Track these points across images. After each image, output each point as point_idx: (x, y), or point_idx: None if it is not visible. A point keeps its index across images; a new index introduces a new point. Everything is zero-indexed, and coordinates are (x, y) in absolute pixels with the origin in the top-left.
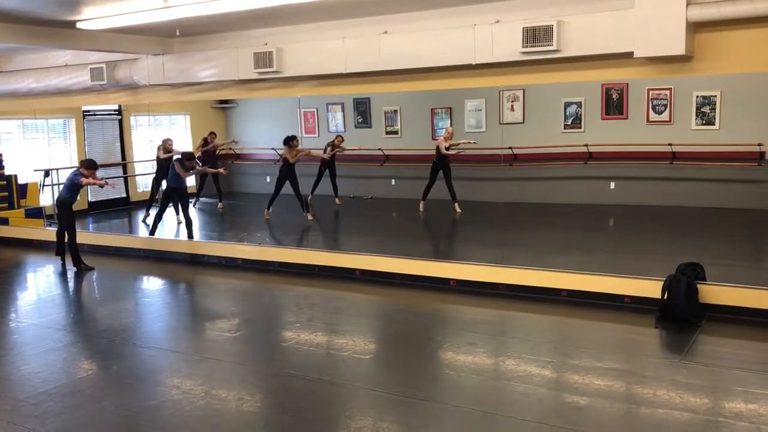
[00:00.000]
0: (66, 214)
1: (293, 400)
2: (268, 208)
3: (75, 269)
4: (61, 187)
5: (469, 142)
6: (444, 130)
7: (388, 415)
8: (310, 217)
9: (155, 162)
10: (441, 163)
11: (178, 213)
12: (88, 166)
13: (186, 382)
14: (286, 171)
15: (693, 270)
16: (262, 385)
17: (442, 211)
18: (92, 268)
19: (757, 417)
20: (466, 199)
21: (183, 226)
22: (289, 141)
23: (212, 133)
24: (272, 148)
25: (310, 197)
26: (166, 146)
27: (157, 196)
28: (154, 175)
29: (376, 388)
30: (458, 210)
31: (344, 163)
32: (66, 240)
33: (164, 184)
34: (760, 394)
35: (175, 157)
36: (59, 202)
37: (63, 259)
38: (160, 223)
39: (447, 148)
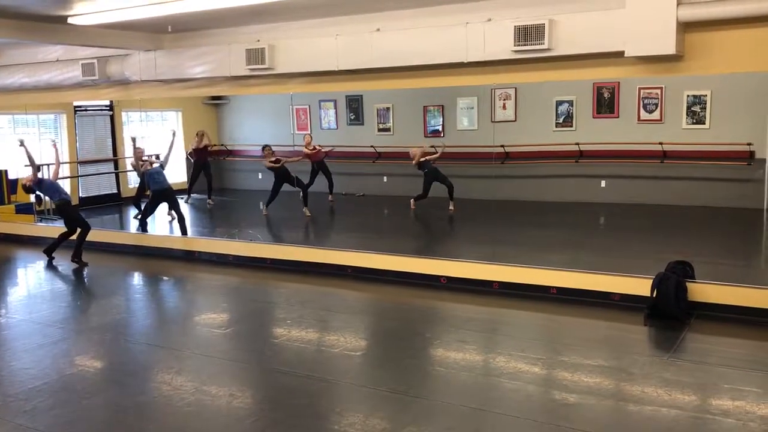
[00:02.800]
0: (69, 211)
1: (284, 397)
2: (267, 206)
3: (71, 262)
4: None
5: (442, 147)
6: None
7: (379, 411)
8: (307, 213)
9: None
10: (431, 171)
11: (170, 210)
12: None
13: (177, 378)
14: (280, 173)
15: (682, 268)
16: (253, 381)
17: (433, 209)
18: (86, 264)
19: (744, 414)
20: (457, 196)
21: (176, 222)
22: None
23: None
24: (265, 145)
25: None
26: (137, 154)
27: (147, 192)
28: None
29: (366, 384)
30: (451, 208)
31: (336, 160)
32: (77, 235)
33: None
34: (747, 391)
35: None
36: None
37: (51, 257)
38: (151, 219)
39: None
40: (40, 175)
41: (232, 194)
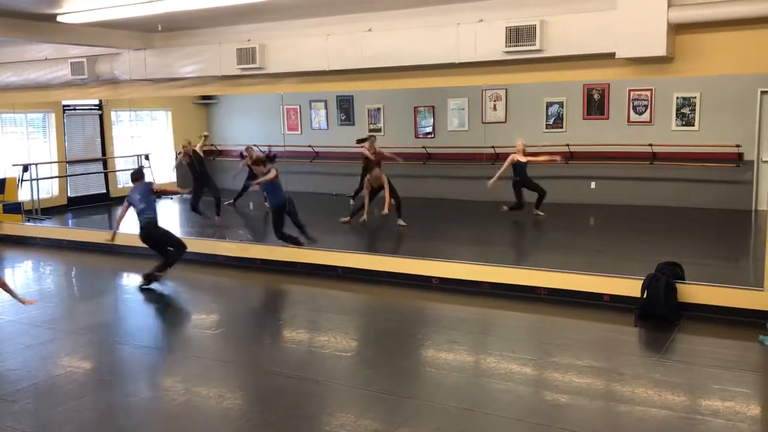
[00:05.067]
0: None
1: (274, 397)
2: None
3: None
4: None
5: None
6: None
7: (370, 411)
8: (402, 223)
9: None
10: (521, 177)
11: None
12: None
13: (166, 379)
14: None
15: (672, 269)
16: (243, 382)
17: (425, 211)
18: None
19: (734, 414)
20: (448, 197)
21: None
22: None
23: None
24: (254, 145)
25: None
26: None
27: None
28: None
29: (357, 385)
30: (540, 213)
31: (327, 161)
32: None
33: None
34: (736, 391)
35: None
36: (148, 224)
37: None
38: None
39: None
40: (27, 176)
41: (223, 195)
